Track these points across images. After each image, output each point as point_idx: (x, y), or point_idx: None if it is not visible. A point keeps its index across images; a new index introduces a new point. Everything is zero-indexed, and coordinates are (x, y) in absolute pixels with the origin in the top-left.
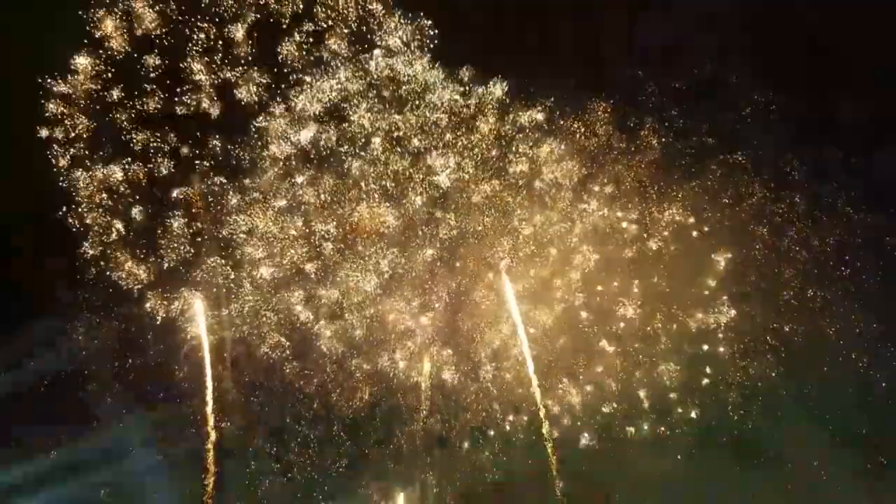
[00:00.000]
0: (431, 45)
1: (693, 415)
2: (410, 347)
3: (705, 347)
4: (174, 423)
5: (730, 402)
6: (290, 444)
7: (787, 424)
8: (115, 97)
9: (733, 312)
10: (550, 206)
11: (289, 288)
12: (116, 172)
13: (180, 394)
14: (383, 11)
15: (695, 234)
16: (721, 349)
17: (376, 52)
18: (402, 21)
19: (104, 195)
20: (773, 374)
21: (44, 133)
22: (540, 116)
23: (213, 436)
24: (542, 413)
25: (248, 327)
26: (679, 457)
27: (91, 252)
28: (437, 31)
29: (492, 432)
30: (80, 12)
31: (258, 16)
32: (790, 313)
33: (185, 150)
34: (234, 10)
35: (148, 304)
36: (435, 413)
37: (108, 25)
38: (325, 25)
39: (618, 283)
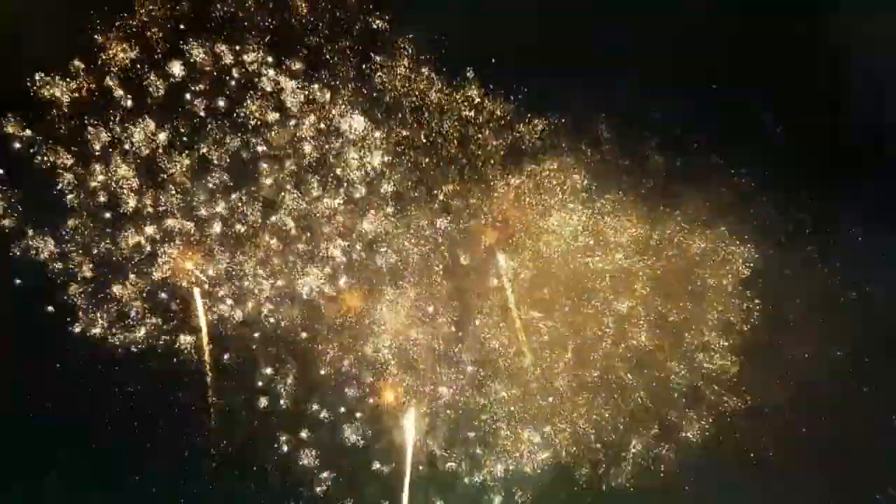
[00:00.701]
0: (436, 60)
1: (698, 433)
2: (413, 364)
3: (710, 365)
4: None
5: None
6: (289, 464)
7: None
8: (117, 118)
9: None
10: (555, 219)
11: (289, 305)
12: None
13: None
14: (388, 27)
15: (698, 250)
16: (727, 368)
17: (378, 60)
18: (408, 38)
19: (104, 215)
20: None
21: (44, 155)
22: (545, 131)
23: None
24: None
25: (248, 348)
26: (687, 487)
27: (89, 275)
28: (443, 50)
29: (493, 449)
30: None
31: (264, 38)
32: (796, 335)
33: (185, 167)
34: (237, 29)
35: (148, 326)
36: (433, 433)
37: (110, 48)
38: (328, 46)
39: (621, 298)
